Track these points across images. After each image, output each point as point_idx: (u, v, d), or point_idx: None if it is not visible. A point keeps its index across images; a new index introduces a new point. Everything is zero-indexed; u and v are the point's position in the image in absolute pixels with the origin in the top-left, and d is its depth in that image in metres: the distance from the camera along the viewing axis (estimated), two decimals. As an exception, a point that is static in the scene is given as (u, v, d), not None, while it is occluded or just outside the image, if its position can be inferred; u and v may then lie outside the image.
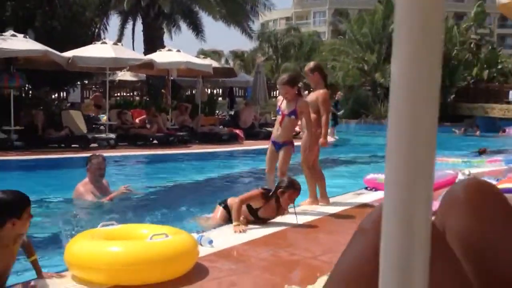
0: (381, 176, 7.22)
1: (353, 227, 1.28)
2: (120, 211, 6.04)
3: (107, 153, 8.03)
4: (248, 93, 22.72)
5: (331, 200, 6.25)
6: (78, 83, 17.71)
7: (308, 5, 60.37)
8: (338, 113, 18.54)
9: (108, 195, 6.26)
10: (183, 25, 24.02)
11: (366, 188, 7.13)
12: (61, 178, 8.92)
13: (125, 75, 22.10)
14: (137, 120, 14.12)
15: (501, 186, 4.56)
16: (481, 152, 11.77)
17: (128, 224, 4.24)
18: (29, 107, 12.55)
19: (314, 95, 6.06)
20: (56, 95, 19.09)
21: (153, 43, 19.32)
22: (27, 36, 11.94)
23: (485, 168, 9.10)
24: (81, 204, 6.26)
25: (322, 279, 3.20)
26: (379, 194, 6.47)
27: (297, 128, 6.71)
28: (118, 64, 13.29)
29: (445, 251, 1.18)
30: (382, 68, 26.80)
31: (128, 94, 25.22)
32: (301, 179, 5.76)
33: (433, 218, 1.23)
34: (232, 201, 5.16)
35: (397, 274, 0.64)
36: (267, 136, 13.45)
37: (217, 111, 19.25)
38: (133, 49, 20.58)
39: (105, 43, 13.38)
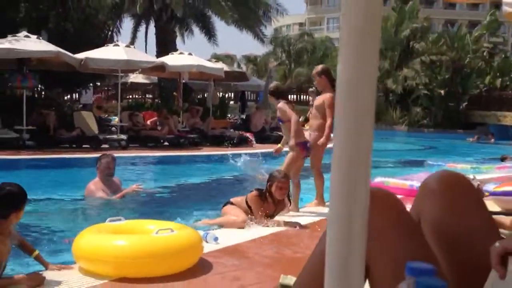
0: (389, 180, 7.25)
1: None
2: (130, 209, 6.17)
3: (118, 154, 8.12)
4: (260, 97, 22.77)
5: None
6: (91, 84, 17.89)
7: (321, 11, 60.33)
8: None
9: (119, 193, 6.37)
10: (196, 29, 24.23)
11: (374, 192, 7.13)
12: (72, 177, 9.04)
13: (137, 78, 22.26)
14: (148, 122, 14.23)
15: (501, 189, 4.57)
16: (503, 159, 11.81)
17: (134, 220, 4.33)
18: (41, 108, 12.70)
19: (321, 99, 6.08)
20: (69, 96, 19.29)
21: (165, 46, 19.44)
22: (40, 37, 12.10)
23: (494, 174, 9.05)
24: (92, 201, 6.39)
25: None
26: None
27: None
28: (130, 66, 13.41)
29: (418, 239, 1.22)
30: (394, 74, 26.75)
31: (140, 97, 25.40)
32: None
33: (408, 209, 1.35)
34: (235, 200, 5.25)
35: (338, 269, 0.78)
36: (277, 140, 13.44)
37: (229, 115, 19.33)
38: (146, 51, 20.73)
39: (117, 45, 13.53)
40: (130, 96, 24.05)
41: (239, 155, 10.13)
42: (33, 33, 12.00)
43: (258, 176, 8.23)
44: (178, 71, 14.63)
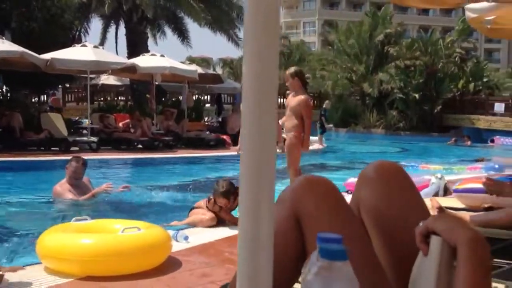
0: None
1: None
2: (99, 210, 6.02)
3: (88, 156, 8.00)
4: (236, 100, 22.65)
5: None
6: (60, 86, 17.52)
7: (298, 15, 60.75)
8: (328, 125, 18.69)
9: (88, 193, 6.15)
10: (168, 31, 23.96)
11: (347, 192, 7.12)
12: (40, 180, 8.78)
13: (108, 79, 21.92)
14: (120, 124, 13.99)
15: (462, 186, 4.60)
16: (478, 161, 12.12)
17: (101, 219, 4.27)
18: (6, 109, 12.34)
19: (295, 101, 6.09)
20: (37, 98, 18.86)
21: (136, 47, 19.13)
22: (3, 38, 11.79)
23: (465, 175, 9.12)
24: (59, 203, 6.22)
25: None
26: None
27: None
28: (99, 67, 13.20)
29: (354, 225, 1.29)
30: (370, 78, 26.97)
31: (114, 99, 25.03)
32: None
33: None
34: (199, 204, 5.14)
35: (249, 255, 0.85)
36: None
37: (206, 118, 19.17)
38: (117, 53, 20.31)
39: (85, 45, 13.28)
40: (102, 98, 23.65)
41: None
42: (-5, 33, 11.72)
43: None
44: (150, 72, 14.47)
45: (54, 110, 13.96)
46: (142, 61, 14.12)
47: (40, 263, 3.53)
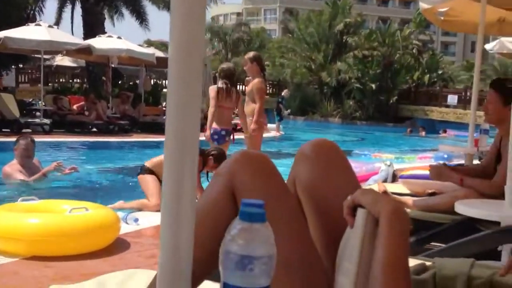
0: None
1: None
2: (48, 191, 5.92)
3: (41, 139, 7.80)
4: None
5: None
6: (13, 66, 16.98)
7: (259, 2, 60.45)
8: (285, 112, 18.78)
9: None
10: (126, 12, 23.45)
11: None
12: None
13: (63, 60, 21.38)
14: (74, 107, 13.70)
15: (407, 173, 4.75)
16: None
17: (48, 200, 4.19)
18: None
19: (251, 85, 6.06)
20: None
21: (93, 29, 18.63)
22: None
23: (416, 163, 9.37)
24: (8, 183, 6.07)
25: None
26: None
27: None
28: (53, 47, 12.88)
29: (289, 200, 1.30)
30: (329, 67, 27.21)
31: (69, 81, 24.44)
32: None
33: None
34: (152, 164, 5.10)
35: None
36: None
37: (163, 102, 18.95)
38: (72, 34, 19.76)
39: (39, 25, 12.93)
40: (57, 80, 23.02)
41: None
42: None
43: None
44: (106, 54, 14.19)
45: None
46: (98, 42, 13.84)
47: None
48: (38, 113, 13.20)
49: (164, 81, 24.37)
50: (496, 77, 9.70)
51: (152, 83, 18.96)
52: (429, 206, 3.27)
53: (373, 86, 25.79)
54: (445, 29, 8.89)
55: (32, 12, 17.32)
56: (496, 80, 3.48)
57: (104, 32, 16.57)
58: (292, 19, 35.06)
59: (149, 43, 26.05)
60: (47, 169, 6.09)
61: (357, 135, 20.32)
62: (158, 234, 3.83)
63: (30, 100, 15.52)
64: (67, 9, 23.25)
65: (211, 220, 1.22)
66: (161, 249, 0.91)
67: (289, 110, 19.99)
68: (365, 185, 4.89)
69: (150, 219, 4.37)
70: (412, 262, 1.49)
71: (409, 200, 3.43)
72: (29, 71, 22.20)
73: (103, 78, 16.25)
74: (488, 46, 8.92)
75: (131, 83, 18.95)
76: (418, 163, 9.47)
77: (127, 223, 4.10)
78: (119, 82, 18.21)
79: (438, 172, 3.33)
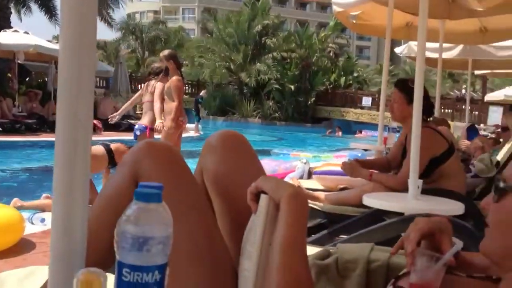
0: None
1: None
2: None
3: None
4: (110, 84, 21.80)
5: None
6: None
7: (177, 0, 59.81)
8: (204, 112, 18.68)
9: None
10: (35, 7, 22.36)
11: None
12: None
13: (-37, 56, 20.00)
14: (-25, 104, 12.81)
15: (320, 169, 4.89)
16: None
17: None
18: None
19: (168, 83, 6.08)
20: None
21: (-3, 23, 17.57)
22: None
23: (332, 161, 9.61)
24: None
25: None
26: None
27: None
28: (-49, 41, 11.95)
29: (197, 198, 1.33)
30: (248, 68, 27.35)
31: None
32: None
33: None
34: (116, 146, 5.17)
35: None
36: (129, 128, 13.02)
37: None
38: (-24, 28, 18.51)
39: None
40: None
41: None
42: None
43: None
44: (12, 50, 13.41)
45: None
46: (3, 37, 13.13)
47: None
48: None
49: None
50: (399, 78, 10.19)
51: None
52: (340, 200, 3.39)
53: (292, 87, 26.26)
54: (357, 32, 9.11)
55: None
56: (399, 80, 3.65)
57: (10, 27, 15.64)
58: (211, 19, 34.92)
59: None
60: None
61: (276, 135, 20.57)
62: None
63: None
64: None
65: (114, 207, 1.22)
66: (52, 235, 0.91)
67: (206, 111, 19.88)
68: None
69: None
70: (319, 250, 1.60)
71: (321, 194, 3.52)
72: None
73: (9, 74, 15.34)
74: (398, 50, 9.23)
75: (40, 80, 18.07)
76: (335, 161, 9.74)
77: (32, 223, 3.98)
78: (27, 79, 17.30)
79: (350, 168, 3.42)
